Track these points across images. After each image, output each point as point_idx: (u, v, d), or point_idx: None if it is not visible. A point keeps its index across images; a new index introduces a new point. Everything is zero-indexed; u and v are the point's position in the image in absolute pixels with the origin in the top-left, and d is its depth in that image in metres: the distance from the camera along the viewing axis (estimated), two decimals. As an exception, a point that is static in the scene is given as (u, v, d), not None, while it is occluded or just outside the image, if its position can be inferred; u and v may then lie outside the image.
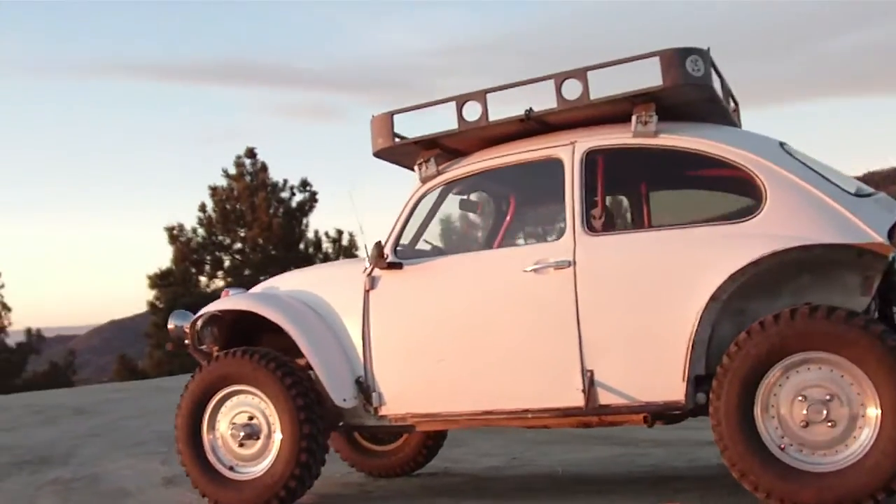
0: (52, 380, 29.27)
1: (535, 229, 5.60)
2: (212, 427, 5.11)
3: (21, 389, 23.08)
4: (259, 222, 28.41)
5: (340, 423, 5.12)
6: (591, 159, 4.58)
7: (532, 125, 4.76)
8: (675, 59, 4.33)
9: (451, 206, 5.13)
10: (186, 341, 5.35)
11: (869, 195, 4.34)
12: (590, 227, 4.49)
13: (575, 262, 4.43)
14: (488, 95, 4.74)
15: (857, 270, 4.15)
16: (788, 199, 4.17)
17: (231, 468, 5.04)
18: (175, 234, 28.37)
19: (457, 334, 4.71)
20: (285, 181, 29.55)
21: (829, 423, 3.89)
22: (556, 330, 4.43)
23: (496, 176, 4.96)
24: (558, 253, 4.48)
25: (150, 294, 27.72)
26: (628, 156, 4.59)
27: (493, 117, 4.73)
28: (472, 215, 5.38)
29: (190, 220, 29.19)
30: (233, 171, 29.32)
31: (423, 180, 4.98)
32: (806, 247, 4.06)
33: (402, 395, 4.86)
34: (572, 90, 4.56)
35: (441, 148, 5.00)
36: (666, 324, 4.23)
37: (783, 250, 4.06)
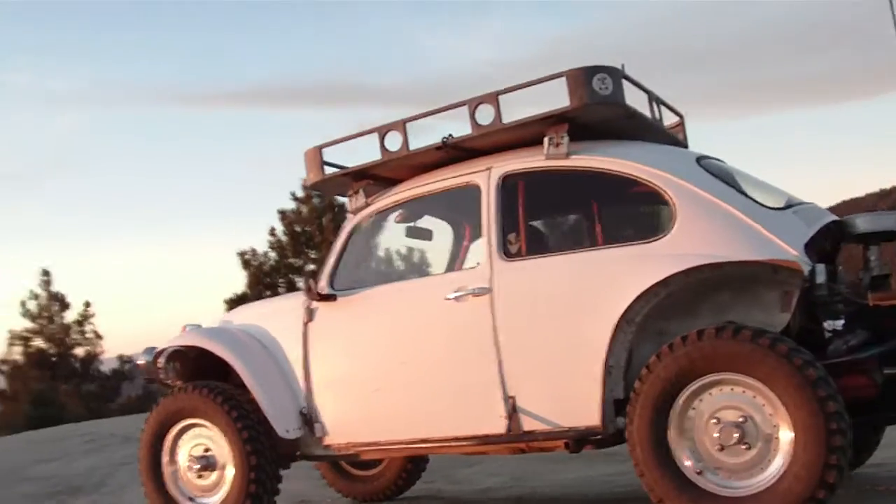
0: (145, 404, 30.20)
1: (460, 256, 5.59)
2: (172, 459, 5.25)
3: (116, 414, 23.90)
4: (327, 243, 28.76)
5: (297, 453, 5.18)
6: (507, 184, 4.57)
7: (456, 152, 4.78)
8: (580, 78, 4.29)
9: (388, 234, 5.17)
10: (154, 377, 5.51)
11: (789, 207, 4.26)
12: (506, 253, 4.48)
13: (492, 289, 4.43)
14: (409, 124, 4.80)
15: (775, 286, 4.04)
16: (698, 216, 4.09)
17: (191, 499, 5.19)
18: (247, 259, 28.92)
19: (388, 364, 4.75)
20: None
21: (744, 446, 3.79)
22: (477, 357, 4.43)
23: (423, 204, 4.99)
24: (476, 280, 4.48)
25: (228, 318, 28.29)
26: (542, 179, 4.57)
27: (428, 142, 4.75)
28: (415, 242, 5.40)
29: (261, 245, 29.72)
30: (300, 193, 29.76)
31: (354, 211, 5.05)
32: (715, 265, 3.98)
33: (343, 425, 4.92)
34: (486, 115, 4.57)
35: (374, 178, 5.06)
36: (579, 348, 4.18)
37: (690, 269, 3.99)
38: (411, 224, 5.31)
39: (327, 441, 4.96)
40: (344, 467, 6.20)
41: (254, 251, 29.36)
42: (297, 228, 29.62)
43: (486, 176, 4.62)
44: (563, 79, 4.34)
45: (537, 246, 4.54)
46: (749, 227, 4.01)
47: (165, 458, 5.26)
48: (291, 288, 29.58)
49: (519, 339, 4.36)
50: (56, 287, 30.46)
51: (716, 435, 3.83)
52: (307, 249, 29.52)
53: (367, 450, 4.90)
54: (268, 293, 29.22)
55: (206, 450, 5.13)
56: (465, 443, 4.57)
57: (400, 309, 4.77)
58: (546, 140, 4.43)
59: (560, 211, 4.93)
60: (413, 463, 6.04)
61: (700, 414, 3.90)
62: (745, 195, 4.18)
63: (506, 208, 4.55)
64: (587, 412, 4.19)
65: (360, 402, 4.85)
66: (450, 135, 4.70)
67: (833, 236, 4.35)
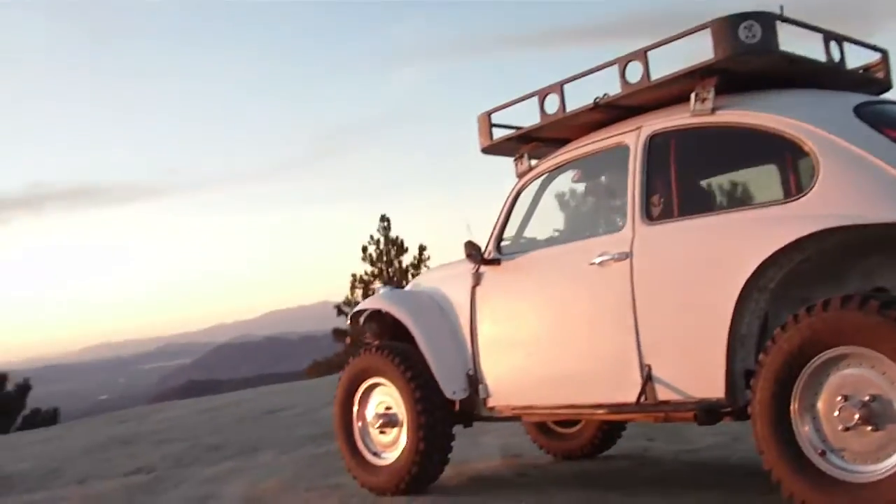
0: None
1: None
2: (360, 415, 5.58)
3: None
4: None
5: (475, 413, 5.28)
6: (654, 144, 4.37)
7: (618, 111, 4.64)
8: (725, 28, 4.02)
9: (551, 197, 5.08)
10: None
11: None
12: (648, 216, 4.30)
13: (632, 254, 4.27)
14: (567, 86, 4.72)
15: None
16: (842, 172, 3.70)
17: (375, 454, 5.48)
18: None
19: (539, 328, 4.76)
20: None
21: (870, 427, 3.42)
22: (616, 324, 4.32)
23: (581, 165, 4.86)
24: (618, 244, 4.35)
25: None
26: (688, 137, 4.31)
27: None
28: (587, 201, 5.25)
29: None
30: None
31: (519, 175, 5.07)
32: (854, 226, 3.59)
33: (503, 388, 4.99)
34: (635, 73, 4.38)
35: (542, 140, 5.02)
36: (707, 316, 3.96)
37: (824, 231, 3.62)
38: (592, 181, 5.18)
39: (491, 403, 5.04)
40: (546, 423, 6.21)
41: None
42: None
43: (635, 135, 4.45)
44: (709, 30, 4.05)
45: (678, 208, 4.26)
46: None
47: (355, 415, 5.58)
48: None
49: (655, 306, 4.19)
50: (394, 232, 32.46)
51: (840, 414, 3.49)
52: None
53: (525, 413, 4.94)
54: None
55: (388, 408, 5.39)
56: (602, 410, 4.50)
57: (552, 273, 4.74)
58: (693, 96, 4.19)
59: (704, 170, 4.58)
60: (609, 424, 5.95)
61: (826, 390, 3.57)
62: None
63: (651, 169, 4.36)
64: (714, 383, 3.96)
65: (516, 366, 4.90)
66: (605, 94, 4.56)
67: None
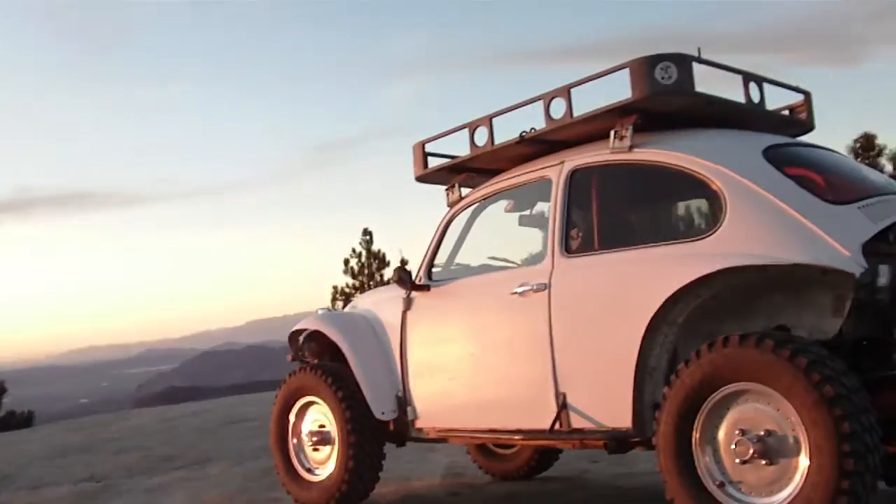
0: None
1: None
2: (295, 433, 5.68)
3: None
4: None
5: (404, 434, 5.37)
6: (575, 178, 4.51)
7: (543, 145, 4.76)
8: (642, 68, 4.15)
9: (479, 227, 5.19)
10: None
11: (865, 199, 3.85)
12: (567, 249, 4.42)
13: (550, 285, 4.39)
14: (495, 120, 4.86)
15: (828, 289, 3.70)
16: (747, 212, 3.83)
17: (309, 470, 5.59)
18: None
19: (462, 355, 4.87)
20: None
21: (765, 461, 3.53)
22: (534, 353, 4.42)
23: (510, 196, 4.99)
24: (538, 275, 4.47)
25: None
26: (606, 173, 4.44)
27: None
28: (512, 232, 5.36)
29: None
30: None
31: (450, 204, 5.20)
32: (755, 266, 3.71)
33: (429, 410, 5.10)
34: (558, 109, 4.51)
35: (472, 171, 5.14)
36: (616, 348, 4.07)
37: (731, 269, 3.74)
38: (524, 213, 5.29)
39: (418, 424, 5.15)
40: (485, 444, 6.29)
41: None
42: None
43: (558, 170, 4.59)
44: (627, 69, 4.18)
45: (595, 242, 4.39)
46: (799, 224, 3.68)
47: (290, 431, 5.69)
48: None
49: (569, 336, 4.31)
50: (378, 246, 32.46)
51: (737, 447, 3.59)
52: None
53: (449, 435, 5.04)
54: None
55: (322, 426, 5.50)
56: (519, 436, 4.62)
57: (475, 301, 4.86)
58: (612, 133, 4.31)
59: (620, 206, 4.70)
60: (543, 447, 6.04)
61: (725, 424, 3.67)
62: (808, 189, 3.82)
63: (571, 203, 4.49)
64: (623, 414, 4.08)
65: (441, 390, 5.01)
66: (532, 128, 4.69)
67: None
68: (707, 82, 4.40)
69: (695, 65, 4.21)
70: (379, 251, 32.46)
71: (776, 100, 4.88)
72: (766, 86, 4.61)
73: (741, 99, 4.50)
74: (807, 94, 4.90)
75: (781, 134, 4.67)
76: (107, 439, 11.25)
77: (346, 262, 32.13)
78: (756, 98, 4.54)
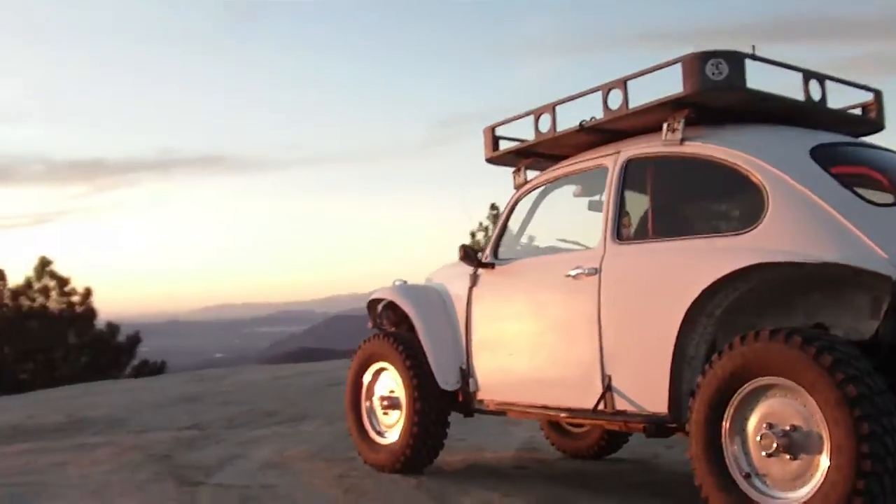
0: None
1: None
2: (368, 396, 6.03)
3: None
4: None
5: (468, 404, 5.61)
6: (629, 168, 4.67)
7: (605, 134, 4.93)
8: (694, 64, 4.27)
9: (544, 209, 5.40)
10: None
11: None
12: (619, 236, 4.60)
13: (601, 270, 4.58)
14: (559, 107, 5.05)
15: (865, 291, 3.76)
16: (788, 210, 3.93)
17: (379, 433, 5.92)
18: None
19: (519, 332, 5.12)
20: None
21: (789, 456, 3.63)
22: (584, 334, 4.62)
23: (571, 182, 5.17)
24: (591, 260, 4.66)
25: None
26: (658, 164, 4.59)
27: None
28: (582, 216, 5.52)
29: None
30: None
31: (516, 187, 5.43)
32: (791, 263, 3.81)
33: (489, 383, 5.36)
34: (616, 100, 4.66)
35: (538, 156, 5.35)
36: (659, 336, 4.22)
37: (762, 264, 3.86)
38: (594, 198, 5.45)
39: (479, 396, 5.42)
40: (558, 421, 6.45)
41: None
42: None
43: (613, 159, 4.75)
44: (680, 64, 4.31)
45: (644, 231, 4.55)
46: (838, 224, 3.76)
47: (364, 395, 6.04)
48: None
49: (616, 320, 4.49)
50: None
51: (763, 440, 3.70)
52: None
53: (507, 408, 5.28)
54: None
55: (392, 391, 5.82)
56: (568, 413, 4.82)
57: (534, 281, 5.08)
58: (665, 126, 4.45)
59: (669, 197, 4.80)
60: None
61: (754, 416, 3.79)
62: (852, 189, 3.90)
63: (624, 192, 4.66)
64: (661, 399, 4.24)
65: (500, 364, 5.26)
66: (592, 117, 4.86)
67: None
68: (779, 78, 4.51)
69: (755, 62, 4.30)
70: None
71: (850, 97, 4.93)
72: (837, 84, 4.65)
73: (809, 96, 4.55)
74: (877, 93, 4.90)
75: (847, 133, 4.72)
76: (218, 392, 11.95)
77: (472, 234, 32.51)
78: (817, 96, 4.58)
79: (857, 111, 4.94)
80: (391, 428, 5.82)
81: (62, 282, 30.68)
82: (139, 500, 5.22)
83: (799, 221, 3.88)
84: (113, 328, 30.89)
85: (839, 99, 4.86)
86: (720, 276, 3.95)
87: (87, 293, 30.84)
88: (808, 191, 3.90)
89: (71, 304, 30.41)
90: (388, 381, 5.88)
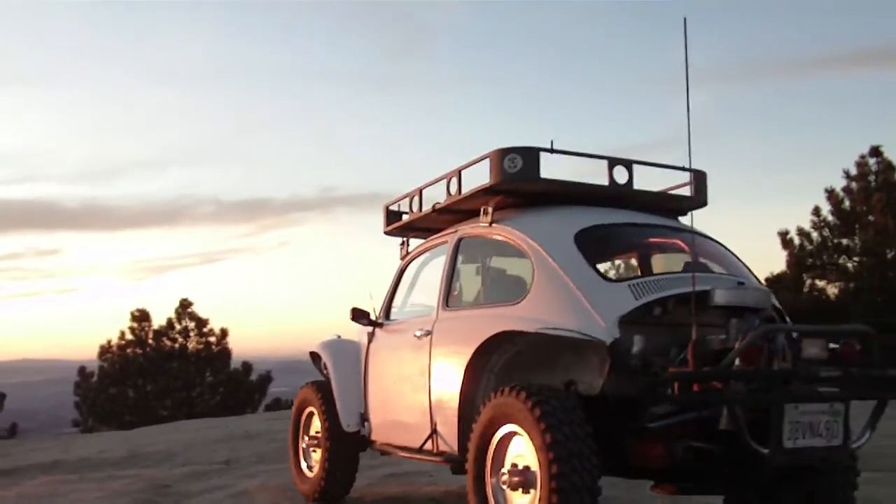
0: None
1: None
2: (303, 435, 6.98)
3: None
4: (875, 225, 27.26)
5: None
6: (461, 245, 5.49)
7: (460, 214, 5.69)
8: (495, 158, 5.04)
9: (416, 275, 6.27)
10: None
11: (632, 279, 4.55)
12: (447, 303, 5.41)
13: (433, 332, 5.40)
14: (423, 189, 5.89)
15: (595, 353, 4.38)
16: (545, 284, 4.66)
17: (309, 467, 6.87)
18: (789, 239, 28.61)
19: (388, 383, 6.00)
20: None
21: (522, 490, 4.30)
22: (422, 386, 5.42)
23: (436, 254, 5.94)
24: (429, 323, 5.49)
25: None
26: (477, 243, 5.42)
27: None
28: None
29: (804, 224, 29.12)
30: (853, 171, 28.48)
31: (401, 257, 6.27)
32: (529, 332, 4.55)
33: (375, 427, 6.23)
34: (454, 186, 5.46)
35: (419, 230, 6.21)
36: (454, 389, 5.01)
37: (518, 331, 4.61)
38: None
39: (372, 437, 6.28)
40: None
41: (800, 230, 28.82)
42: (846, 207, 28.42)
43: (452, 237, 5.56)
44: (488, 159, 5.09)
45: (461, 299, 5.36)
46: (576, 299, 4.44)
47: (301, 434, 7.01)
48: (841, 271, 28.56)
49: (437, 375, 5.29)
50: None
51: (508, 477, 4.38)
52: (853, 232, 28.25)
53: (386, 448, 6.11)
54: (808, 275, 28.66)
55: (317, 432, 6.73)
56: (411, 453, 5.64)
57: (398, 340, 5.93)
58: (482, 210, 5.22)
59: (479, 271, 5.56)
60: None
61: (507, 457, 4.47)
62: (595, 267, 4.59)
63: (456, 265, 5.46)
64: (454, 442, 5.01)
65: (379, 410, 6.14)
66: (438, 202, 5.69)
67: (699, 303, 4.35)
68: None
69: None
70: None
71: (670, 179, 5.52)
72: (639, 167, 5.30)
73: (619, 180, 5.21)
74: (697, 173, 5.47)
75: (669, 210, 5.38)
76: (278, 430, 13.08)
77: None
78: (622, 180, 5.25)
79: (686, 190, 5.50)
80: (316, 463, 6.72)
81: (201, 322, 32.96)
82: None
83: (551, 295, 4.59)
84: (247, 367, 32.87)
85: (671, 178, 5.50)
86: (483, 340, 4.73)
87: (224, 334, 33.03)
88: (560, 269, 4.60)
89: (208, 344, 32.61)
90: (315, 423, 6.79)
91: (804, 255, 28.70)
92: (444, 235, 5.76)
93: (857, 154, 28.89)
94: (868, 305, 26.11)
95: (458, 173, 5.41)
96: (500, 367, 4.91)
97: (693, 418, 4.24)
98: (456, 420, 4.98)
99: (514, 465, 4.38)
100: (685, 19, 4.26)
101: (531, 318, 4.59)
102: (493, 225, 5.16)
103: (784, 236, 28.94)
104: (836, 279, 28.77)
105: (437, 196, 5.83)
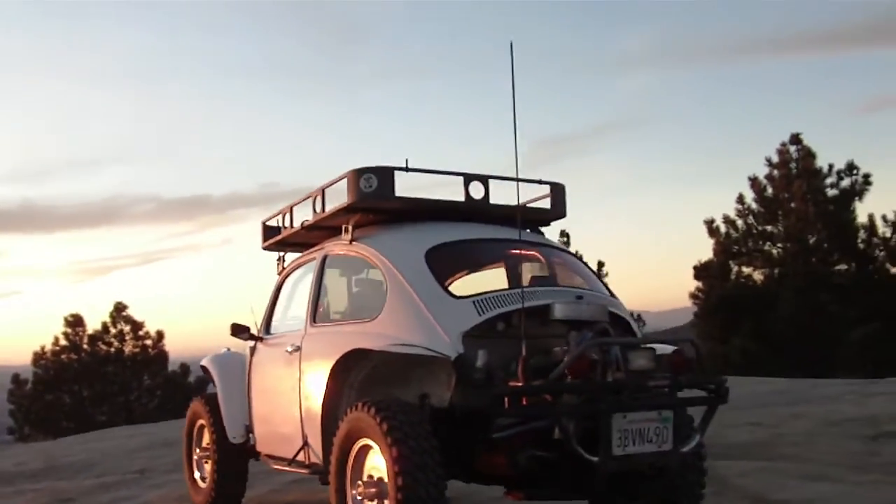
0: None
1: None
2: (196, 448, 7.15)
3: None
4: (797, 212, 27.96)
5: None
6: (327, 262, 5.67)
7: (329, 230, 5.86)
8: (351, 179, 5.22)
9: (293, 291, 6.39)
10: None
11: (477, 295, 4.70)
12: (314, 319, 5.60)
13: (301, 348, 5.58)
14: (294, 207, 6.09)
15: (443, 368, 4.58)
16: (396, 301, 4.85)
17: (203, 478, 7.03)
18: (714, 228, 29.23)
19: (266, 396, 6.17)
20: (830, 166, 28.45)
21: (376, 501, 4.48)
22: (293, 400, 5.59)
23: (307, 270, 6.10)
24: (298, 339, 5.67)
25: (693, 286, 29.03)
26: (339, 260, 5.61)
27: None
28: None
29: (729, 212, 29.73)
30: (775, 159, 29.13)
31: (278, 273, 6.45)
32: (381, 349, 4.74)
33: (258, 438, 6.39)
34: (318, 204, 5.65)
35: (294, 245, 6.39)
36: (316, 403, 5.19)
37: (353, 350, 4.85)
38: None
39: (257, 448, 6.44)
40: None
41: (726, 218, 29.40)
42: (769, 194, 29.05)
43: (319, 254, 5.75)
44: (346, 179, 5.28)
45: (326, 316, 5.56)
46: (425, 315, 4.63)
47: (194, 446, 7.16)
48: (766, 257, 29.22)
49: (305, 390, 5.46)
50: (574, 247, 33.29)
51: (363, 489, 4.59)
52: (776, 219, 28.91)
53: (268, 460, 6.29)
54: (734, 262, 29.29)
55: (207, 444, 6.90)
56: (285, 464, 5.83)
57: (274, 354, 6.09)
58: (343, 228, 5.42)
59: (342, 287, 5.77)
60: None
61: (365, 469, 4.65)
62: (443, 284, 4.79)
63: (320, 282, 5.65)
64: (321, 454, 5.19)
65: (260, 422, 6.32)
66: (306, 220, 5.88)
67: (543, 316, 4.63)
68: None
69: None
70: (576, 252, 33.28)
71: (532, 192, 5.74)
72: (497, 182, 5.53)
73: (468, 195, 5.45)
74: (556, 186, 5.71)
75: (531, 222, 5.63)
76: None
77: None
78: (478, 195, 5.47)
79: (546, 202, 5.74)
80: (208, 474, 6.89)
81: (136, 325, 32.80)
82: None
83: (401, 312, 4.78)
84: (185, 369, 32.76)
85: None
86: (339, 356, 4.93)
87: (160, 336, 32.88)
88: (409, 286, 4.79)
89: (145, 347, 32.46)
90: (206, 436, 6.95)
91: (730, 243, 29.29)
92: (313, 252, 5.93)
93: (779, 141, 29.47)
94: (793, 290, 26.75)
95: (322, 192, 5.58)
96: (360, 382, 5.10)
97: (534, 429, 4.47)
98: (320, 433, 5.16)
99: (371, 477, 4.57)
100: (511, 43, 4.44)
101: (383, 335, 4.78)
102: (353, 243, 5.35)
103: (710, 224, 29.50)
104: (762, 266, 29.37)
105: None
